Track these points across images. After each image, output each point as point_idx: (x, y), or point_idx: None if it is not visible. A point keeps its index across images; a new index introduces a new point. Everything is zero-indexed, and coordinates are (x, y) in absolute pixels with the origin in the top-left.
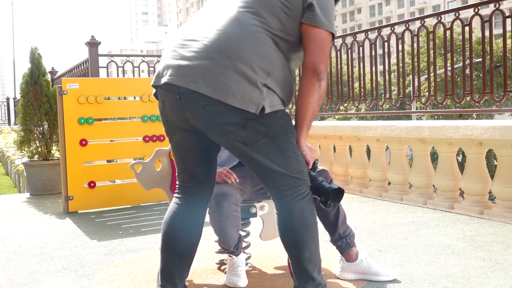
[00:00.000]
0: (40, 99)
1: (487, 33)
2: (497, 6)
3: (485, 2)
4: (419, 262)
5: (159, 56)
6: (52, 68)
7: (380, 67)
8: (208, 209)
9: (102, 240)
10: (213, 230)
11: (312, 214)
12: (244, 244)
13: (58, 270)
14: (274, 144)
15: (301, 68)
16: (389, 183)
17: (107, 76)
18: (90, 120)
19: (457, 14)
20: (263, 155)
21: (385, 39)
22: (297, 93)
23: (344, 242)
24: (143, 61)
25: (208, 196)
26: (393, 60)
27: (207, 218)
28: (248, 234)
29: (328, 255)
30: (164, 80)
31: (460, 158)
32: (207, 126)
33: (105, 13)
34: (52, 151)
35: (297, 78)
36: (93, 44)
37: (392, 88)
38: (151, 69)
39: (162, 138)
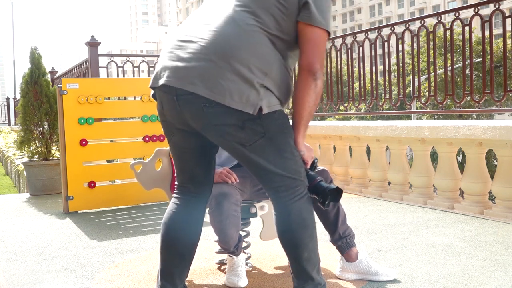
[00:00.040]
0: (40, 99)
1: (487, 33)
2: (497, 6)
3: (485, 2)
4: (419, 262)
5: (159, 56)
6: (52, 68)
7: (380, 67)
8: (208, 209)
9: (102, 240)
10: (213, 230)
11: (310, 214)
12: (244, 244)
13: (58, 270)
14: (271, 144)
15: (297, 68)
16: (389, 183)
17: (107, 76)
18: (90, 120)
19: (457, 14)
20: (260, 156)
21: (385, 39)
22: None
23: (344, 242)
24: (143, 61)
25: (207, 196)
26: (393, 60)
27: (207, 218)
28: (248, 234)
29: (328, 255)
30: (161, 81)
31: (460, 158)
32: (205, 127)
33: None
34: (52, 151)
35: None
36: (93, 44)
37: (392, 88)
38: (151, 69)
39: (162, 138)
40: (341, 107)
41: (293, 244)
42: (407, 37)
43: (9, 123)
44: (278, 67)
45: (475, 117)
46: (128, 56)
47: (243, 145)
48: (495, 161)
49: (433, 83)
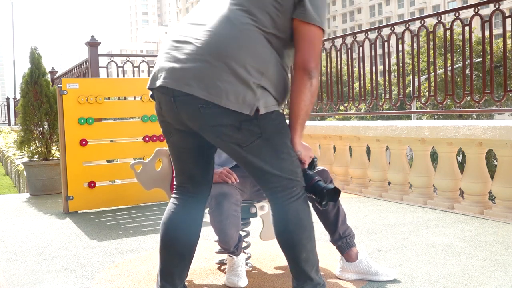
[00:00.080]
0: (40, 99)
1: (487, 33)
2: (497, 6)
3: (485, 2)
4: (419, 262)
5: None
6: (52, 68)
7: (380, 67)
8: (208, 209)
9: (102, 240)
10: (213, 230)
11: (307, 214)
12: (244, 244)
13: (58, 270)
14: (268, 145)
15: (292, 67)
16: (389, 183)
17: (107, 76)
18: (90, 120)
19: (457, 14)
20: (257, 156)
21: (385, 39)
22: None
23: (344, 242)
24: (143, 61)
25: (206, 196)
26: (393, 60)
27: (207, 218)
28: (248, 234)
29: (328, 255)
30: (159, 82)
31: (460, 158)
32: (202, 128)
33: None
34: (52, 151)
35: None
36: (93, 44)
37: (392, 88)
38: (151, 69)
39: (162, 138)
40: (341, 107)
41: (291, 244)
42: (407, 37)
43: (9, 123)
44: (274, 66)
45: (475, 117)
46: (128, 56)
47: (240, 145)
48: (495, 161)
49: (433, 83)
